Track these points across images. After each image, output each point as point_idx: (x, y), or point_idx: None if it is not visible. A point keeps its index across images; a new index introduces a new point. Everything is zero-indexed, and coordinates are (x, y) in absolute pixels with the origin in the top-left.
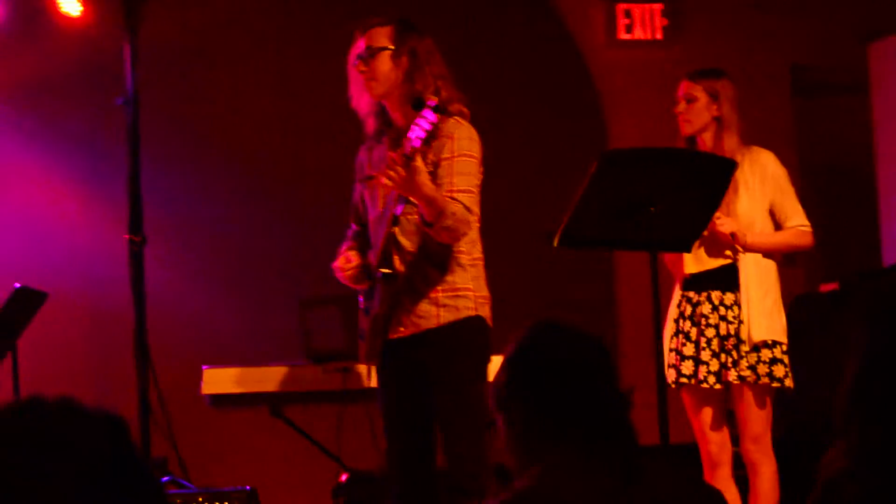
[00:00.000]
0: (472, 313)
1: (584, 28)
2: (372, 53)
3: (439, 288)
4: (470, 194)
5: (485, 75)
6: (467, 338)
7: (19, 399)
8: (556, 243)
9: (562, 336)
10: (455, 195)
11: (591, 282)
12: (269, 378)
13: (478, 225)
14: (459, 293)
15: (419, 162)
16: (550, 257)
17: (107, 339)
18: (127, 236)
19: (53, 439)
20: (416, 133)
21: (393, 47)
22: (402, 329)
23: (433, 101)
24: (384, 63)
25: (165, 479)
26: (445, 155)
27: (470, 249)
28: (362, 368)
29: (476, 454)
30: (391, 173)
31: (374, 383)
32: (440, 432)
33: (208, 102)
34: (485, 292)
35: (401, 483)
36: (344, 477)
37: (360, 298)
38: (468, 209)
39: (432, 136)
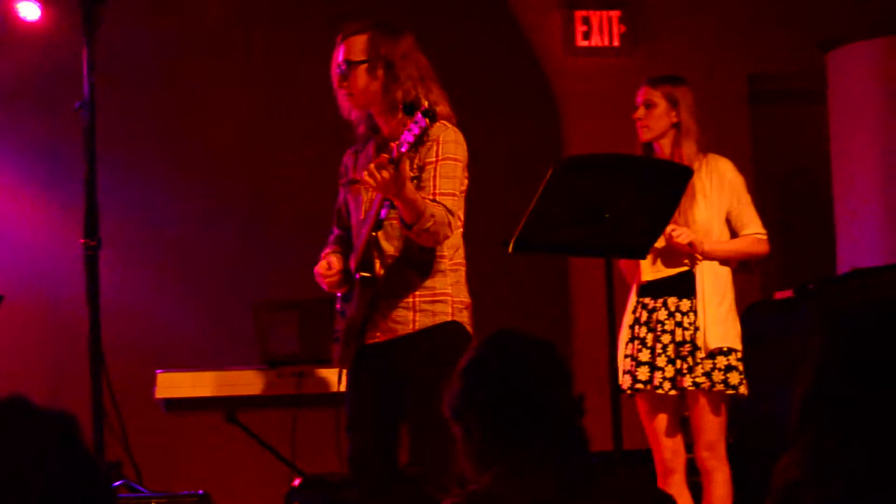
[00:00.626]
0: (448, 318)
1: (541, 35)
2: (349, 68)
3: (418, 293)
4: (453, 197)
5: (441, 81)
6: (441, 343)
7: None
8: (510, 249)
9: (515, 344)
10: (438, 198)
11: (546, 288)
12: (223, 382)
13: (461, 230)
14: (438, 298)
15: (405, 166)
16: (505, 264)
17: (61, 341)
18: (82, 240)
19: (2, 437)
20: (406, 137)
21: (367, 59)
22: (378, 334)
23: (424, 105)
24: (361, 77)
25: (119, 483)
26: (430, 158)
27: (452, 254)
28: (319, 373)
29: (443, 460)
30: (374, 175)
31: (330, 388)
32: (409, 436)
33: (166, 107)
34: (464, 298)
35: (361, 485)
36: (297, 481)
37: (338, 301)
38: (450, 212)
39: (420, 140)
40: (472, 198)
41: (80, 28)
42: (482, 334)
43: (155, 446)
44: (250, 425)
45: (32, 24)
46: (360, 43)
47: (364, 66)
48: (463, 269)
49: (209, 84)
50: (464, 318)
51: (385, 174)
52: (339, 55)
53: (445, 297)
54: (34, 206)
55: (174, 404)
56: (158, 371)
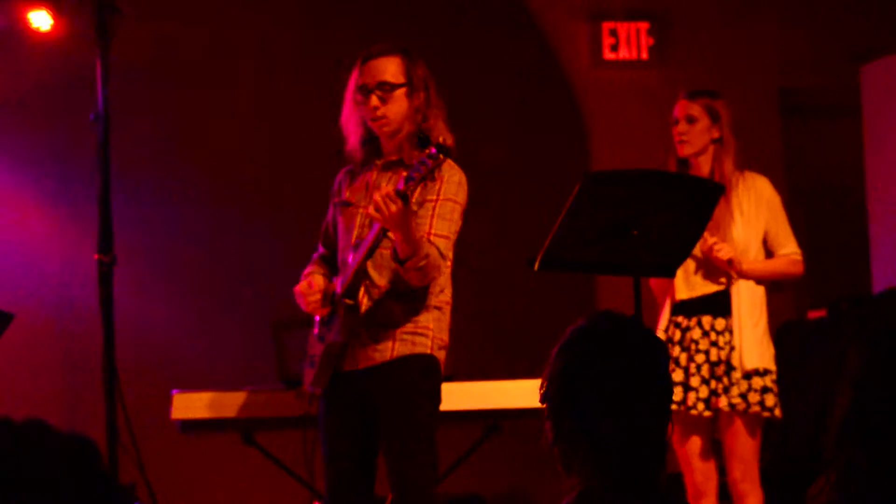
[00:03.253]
0: (427, 351)
1: (568, 47)
2: (388, 90)
3: (401, 326)
4: (447, 240)
5: (468, 94)
6: (418, 372)
7: None
8: (537, 267)
9: (616, 330)
10: (432, 238)
11: (573, 305)
12: (240, 403)
13: (449, 270)
14: (419, 331)
15: (412, 196)
16: (531, 281)
17: (74, 360)
18: (96, 256)
19: (23, 461)
20: (417, 170)
21: (405, 83)
22: (355, 362)
23: (439, 139)
24: (400, 100)
25: None
26: (431, 196)
27: (438, 292)
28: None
29: (420, 487)
30: (381, 206)
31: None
32: (386, 464)
33: (182, 120)
34: (444, 336)
35: None
36: (315, 503)
37: (315, 324)
38: (442, 255)
39: (430, 176)
40: (498, 212)
41: (92, 38)
42: (493, 364)
43: (170, 468)
44: (267, 446)
45: (44, 34)
46: (394, 65)
47: (403, 89)
48: (448, 308)
49: (227, 98)
50: (440, 355)
51: (393, 207)
52: (370, 76)
53: (427, 331)
54: (47, 222)
55: (190, 425)
56: (174, 391)
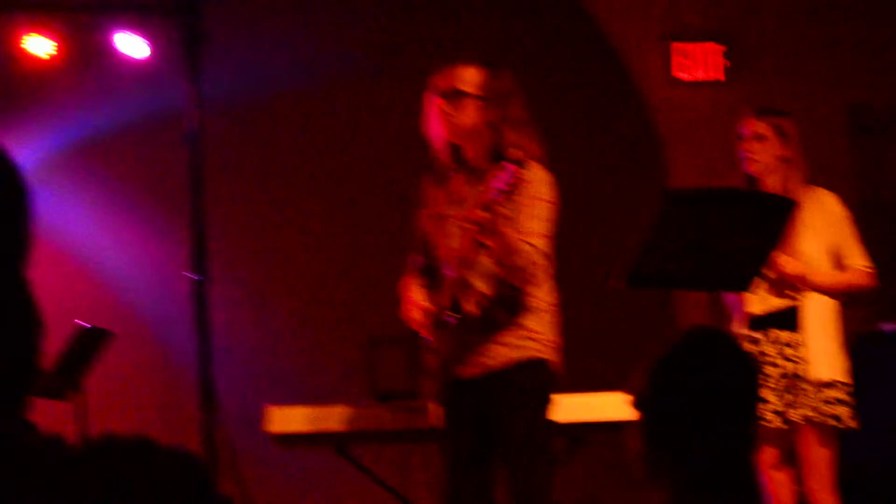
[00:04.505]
0: (538, 355)
1: (643, 67)
2: (458, 96)
3: (509, 331)
4: (543, 238)
5: (542, 114)
6: (532, 377)
7: (93, 438)
8: (618, 284)
9: (714, 346)
10: (528, 238)
11: (649, 321)
12: (334, 417)
13: (552, 270)
14: (530, 336)
15: (501, 208)
16: (609, 296)
17: (171, 378)
18: (191, 275)
19: (131, 478)
20: (498, 183)
21: (479, 94)
22: (469, 370)
23: (515, 154)
24: (470, 109)
25: None
26: (521, 198)
27: (543, 294)
28: (429, 407)
29: (538, 493)
30: (472, 217)
31: (440, 422)
32: (504, 469)
33: (272, 143)
34: (555, 337)
35: None
36: None
37: (427, 337)
38: (540, 253)
39: (511, 186)
40: (575, 227)
41: (183, 65)
42: (566, 377)
43: (267, 482)
44: (361, 460)
45: (137, 61)
46: (472, 75)
47: (474, 99)
48: (554, 308)
49: (316, 119)
50: (553, 357)
51: (484, 217)
52: (447, 80)
53: (537, 335)
54: (143, 243)
55: (285, 439)
56: (270, 405)
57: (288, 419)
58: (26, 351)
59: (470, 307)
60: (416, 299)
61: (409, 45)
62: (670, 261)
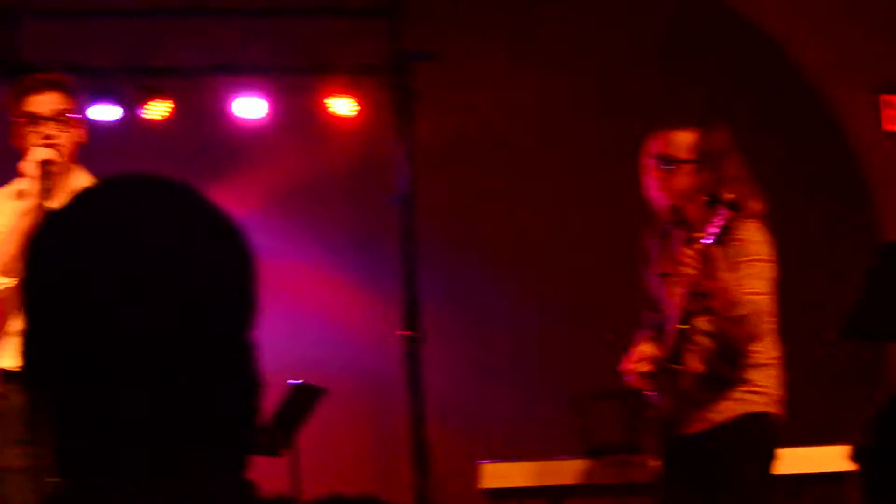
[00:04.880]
0: (763, 409)
1: (853, 120)
2: (671, 161)
3: (734, 385)
4: (764, 296)
5: (751, 164)
6: (756, 432)
7: (321, 499)
8: (836, 337)
9: None
10: (749, 298)
11: (867, 371)
12: (547, 471)
13: (774, 326)
14: (754, 390)
15: (715, 256)
16: (817, 346)
17: (384, 433)
18: (403, 332)
19: None
20: (710, 230)
21: (695, 159)
22: (692, 425)
23: (728, 197)
24: (683, 173)
25: None
26: (740, 258)
27: (766, 348)
28: (645, 461)
29: None
30: (685, 269)
31: (655, 477)
32: None
33: (482, 199)
34: (779, 391)
35: None
36: None
37: (648, 391)
38: (762, 311)
39: (725, 234)
40: (784, 278)
41: (393, 123)
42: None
43: None
44: None
45: (346, 119)
46: (684, 139)
47: (689, 165)
48: (778, 362)
49: (528, 173)
50: (776, 410)
51: (699, 264)
52: (660, 145)
53: (760, 388)
54: (354, 300)
55: (498, 494)
56: (482, 461)
57: (501, 475)
58: (248, 412)
59: (694, 363)
60: (641, 352)
61: (626, 102)
62: (888, 313)
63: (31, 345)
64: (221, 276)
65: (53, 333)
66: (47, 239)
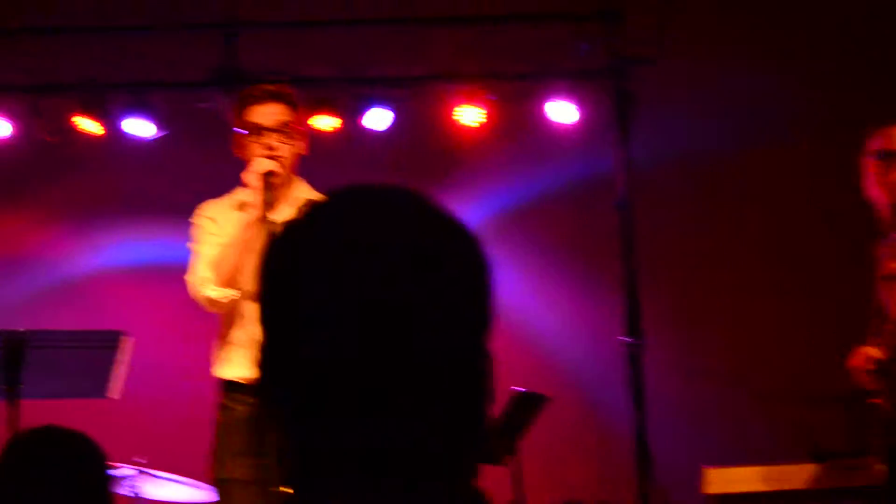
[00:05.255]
0: None
1: None
2: (891, 157)
3: None
4: None
5: None
6: None
7: None
8: None
9: None
10: None
11: None
12: (772, 477)
13: None
14: None
15: None
16: None
17: (605, 439)
18: (624, 339)
19: None
20: None
21: None
22: None
23: None
24: None
25: None
26: None
27: None
28: (872, 465)
29: None
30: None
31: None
32: None
33: (703, 205)
34: None
35: None
36: None
37: (874, 394)
38: None
39: None
40: None
41: (613, 129)
42: None
43: None
44: None
45: (566, 126)
46: None
47: None
48: None
49: (751, 180)
50: None
51: None
52: (880, 141)
53: None
54: (575, 307)
55: (724, 500)
56: (707, 467)
57: (727, 480)
58: (480, 421)
59: None
60: (865, 353)
61: (847, 104)
62: None
63: (268, 359)
64: (461, 285)
65: (291, 348)
66: (283, 252)
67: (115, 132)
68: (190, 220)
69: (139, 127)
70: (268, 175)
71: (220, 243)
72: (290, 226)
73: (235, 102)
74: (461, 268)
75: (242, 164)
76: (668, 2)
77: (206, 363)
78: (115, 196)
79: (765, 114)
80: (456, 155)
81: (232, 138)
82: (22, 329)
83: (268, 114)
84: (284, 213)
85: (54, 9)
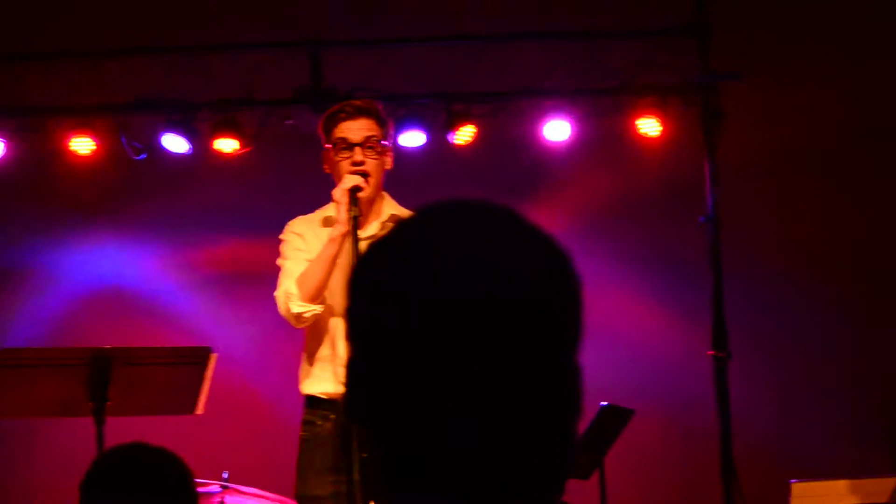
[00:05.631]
0: None
1: None
2: None
3: None
4: None
5: None
6: None
7: None
8: None
9: None
10: None
11: None
12: (861, 490)
13: None
14: None
15: None
16: None
17: (692, 453)
18: (711, 352)
19: None
20: None
21: None
22: None
23: None
24: None
25: None
26: None
27: None
28: None
29: None
30: None
31: None
32: None
33: (788, 217)
34: None
35: None
36: None
37: None
38: None
39: None
40: None
41: (699, 142)
42: None
43: None
44: None
45: (653, 140)
46: None
47: None
48: None
49: (837, 189)
50: None
51: None
52: None
53: None
54: (660, 320)
55: None
56: (793, 481)
57: (813, 493)
58: (570, 436)
59: None
60: None
61: None
62: None
63: (355, 375)
64: (552, 300)
65: (378, 365)
66: (370, 269)
67: (201, 150)
68: (279, 236)
69: (226, 144)
70: (354, 190)
71: (307, 259)
72: (377, 242)
73: (323, 119)
74: (552, 283)
75: (331, 180)
76: (753, 17)
77: (292, 379)
78: (201, 213)
79: (848, 127)
80: (543, 170)
81: (321, 155)
82: (109, 346)
83: (355, 129)
84: (372, 229)
85: (141, 28)
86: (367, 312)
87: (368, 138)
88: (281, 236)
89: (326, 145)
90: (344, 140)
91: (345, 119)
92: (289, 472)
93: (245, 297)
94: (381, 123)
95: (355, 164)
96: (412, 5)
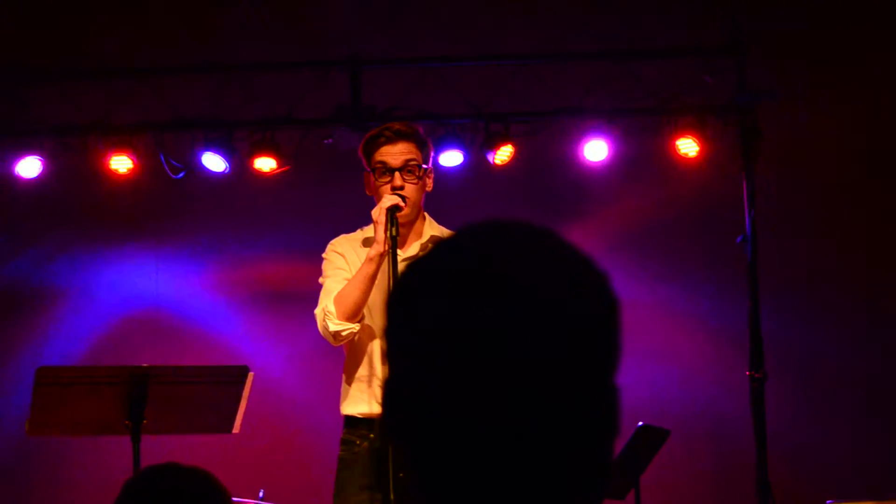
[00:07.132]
0: None
1: None
2: None
3: None
4: None
5: None
6: None
7: None
8: None
9: None
10: None
11: None
12: None
13: None
14: None
15: None
16: None
17: (728, 475)
18: (748, 372)
19: None
20: None
21: None
22: None
23: None
24: None
25: None
26: None
27: None
28: None
29: None
30: None
31: None
32: None
33: (824, 236)
34: None
35: None
36: None
37: None
38: None
39: None
40: None
41: (737, 162)
42: None
43: None
44: None
45: (690, 160)
46: None
47: None
48: None
49: (867, 213)
50: None
51: None
52: None
53: None
54: (699, 339)
55: None
56: (829, 502)
57: None
58: (606, 457)
59: None
60: None
61: None
62: None
63: (394, 395)
64: (592, 321)
65: (417, 384)
66: (411, 289)
67: (240, 169)
68: (322, 254)
69: (264, 163)
70: (392, 210)
71: (346, 278)
72: (415, 263)
73: (363, 142)
74: (591, 304)
75: (372, 202)
76: (789, 37)
77: (330, 398)
78: (239, 232)
79: (888, 146)
80: (581, 190)
81: (363, 177)
82: (146, 364)
83: (395, 154)
84: (413, 249)
85: (180, 47)
86: (402, 332)
87: (408, 162)
88: (323, 255)
89: (367, 169)
90: (384, 164)
91: (384, 143)
92: (325, 491)
93: (283, 316)
94: (421, 146)
95: (395, 188)
96: (451, 24)
